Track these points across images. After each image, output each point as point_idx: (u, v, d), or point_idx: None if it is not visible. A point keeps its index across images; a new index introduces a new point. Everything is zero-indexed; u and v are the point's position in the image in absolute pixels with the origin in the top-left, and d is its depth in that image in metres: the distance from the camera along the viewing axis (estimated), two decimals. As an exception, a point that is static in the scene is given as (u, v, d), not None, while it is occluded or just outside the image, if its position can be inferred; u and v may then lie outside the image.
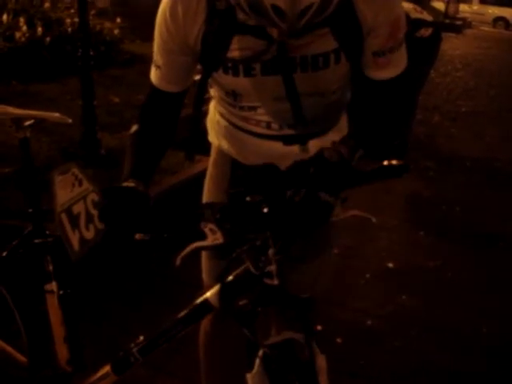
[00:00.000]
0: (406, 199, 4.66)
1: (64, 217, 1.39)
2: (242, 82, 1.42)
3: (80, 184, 1.40)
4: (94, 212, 1.28)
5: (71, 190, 1.38)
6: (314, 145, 1.53)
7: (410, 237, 3.97)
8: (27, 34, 6.03)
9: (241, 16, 1.29)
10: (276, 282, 1.28)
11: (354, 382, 2.53)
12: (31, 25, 6.31)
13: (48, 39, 6.10)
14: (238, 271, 1.35)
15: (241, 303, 1.32)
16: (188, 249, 1.22)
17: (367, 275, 3.39)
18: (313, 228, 1.32)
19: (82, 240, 1.33)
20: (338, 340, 2.75)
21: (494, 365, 2.69)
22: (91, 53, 4.01)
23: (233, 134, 1.62)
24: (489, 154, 6.00)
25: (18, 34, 5.97)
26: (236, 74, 1.40)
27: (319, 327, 2.78)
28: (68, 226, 1.39)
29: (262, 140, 1.56)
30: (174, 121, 1.51)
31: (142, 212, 1.23)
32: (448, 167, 5.47)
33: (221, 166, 1.71)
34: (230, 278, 1.37)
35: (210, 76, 1.46)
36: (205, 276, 1.76)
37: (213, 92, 1.62)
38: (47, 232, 1.70)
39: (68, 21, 6.70)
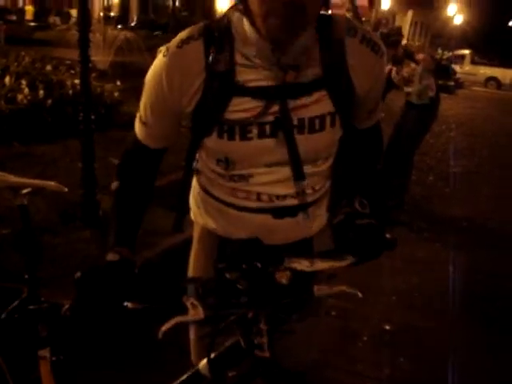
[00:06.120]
0: (400, 260, 4.67)
1: None
2: (237, 147, 1.39)
3: None
4: None
5: None
6: (303, 217, 1.52)
7: (405, 298, 3.98)
8: (29, 97, 6.14)
9: (240, 78, 1.32)
10: (267, 354, 1.27)
11: None
12: (33, 87, 6.44)
13: (49, 101, 6.21)
14: (228, 343, 1.32)
15: (230, 375, 1.30)
16: (169, 323, 1.22)
17: (364, 337, 3.39)
18: (298, 304, 1.31)
19: None
20: (336, 404, 2.73)
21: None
22: (92, 116, 4.10)
23: (220, 210, 1.56)
24: (482, 214, 6.07)
25: (19, 96, 6.08)
26: (232, 137, 1.38)
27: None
28: None
29: (251, 214, 1.50)
30: (155, 173, 1.54)
31: (126, 285, 1.25)
32: (442, 227, 5.52)
33: (207, 244, 1.65)
34: (221, 349, 1.33)
35: (201, 142, 1.44)
36: (192, 343, 1.72)
37: (200, 166, 1.57)
38: (42, 298, 1.74)
39: (69, 83, 6.84)
